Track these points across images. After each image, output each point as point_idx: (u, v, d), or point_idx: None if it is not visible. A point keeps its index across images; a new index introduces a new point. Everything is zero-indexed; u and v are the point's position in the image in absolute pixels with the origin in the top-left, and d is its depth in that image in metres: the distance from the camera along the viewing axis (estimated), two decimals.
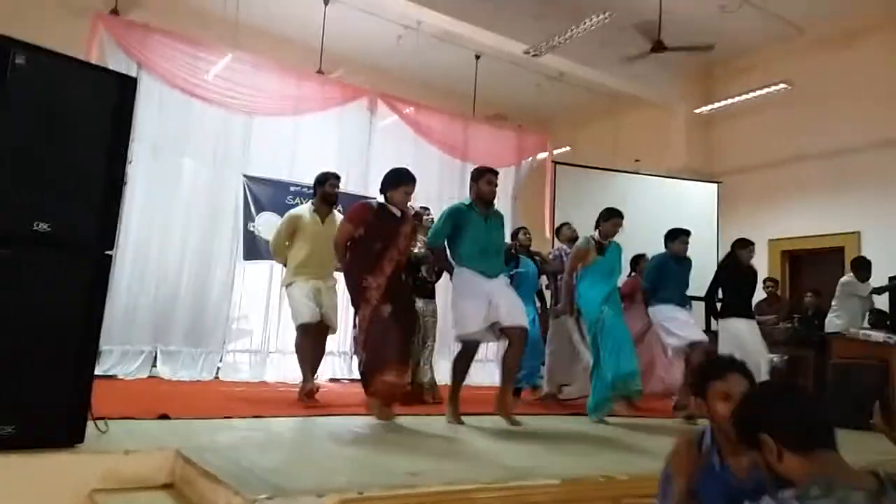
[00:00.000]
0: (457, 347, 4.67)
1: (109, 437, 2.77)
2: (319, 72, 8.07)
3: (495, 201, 4.72)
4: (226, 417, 3.96)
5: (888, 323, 6.67)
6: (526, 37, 8.11)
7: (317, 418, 4.34)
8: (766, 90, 8.69)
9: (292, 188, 6.91)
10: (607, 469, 2.89)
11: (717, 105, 9.37)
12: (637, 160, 9.90)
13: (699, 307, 6.48)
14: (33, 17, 6.78)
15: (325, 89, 7.60)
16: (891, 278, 7.01)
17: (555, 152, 9.55)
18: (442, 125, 8.42)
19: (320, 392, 5.25)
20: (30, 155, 2.59)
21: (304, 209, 5.37)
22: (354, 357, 6.72)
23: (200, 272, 6.60)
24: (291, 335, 5.37)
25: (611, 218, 5.26)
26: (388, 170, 4.46)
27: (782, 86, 8.55)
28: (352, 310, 4.29)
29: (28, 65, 2.58)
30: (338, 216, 5.42)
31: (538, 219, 8.86)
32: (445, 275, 4.99)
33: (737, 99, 9.04)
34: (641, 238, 6.63)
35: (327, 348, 5.61)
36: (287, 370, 6.44)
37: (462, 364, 4.51)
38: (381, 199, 4.38)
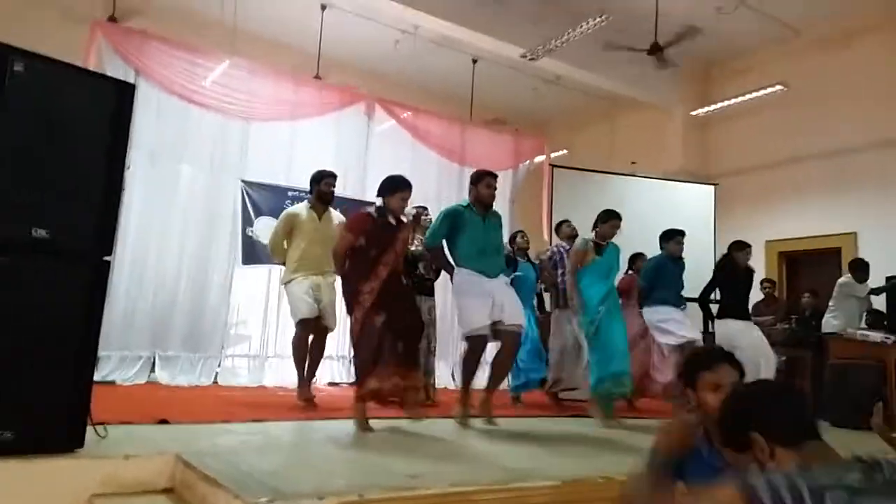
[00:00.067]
0: (454, 350, 4.68)
1: (109, 442, 2.77)
2: (317, 77, 8.09)
3: (493, 204, 4.75)
4: (225, 422, 3.96)
5: (885, 323, 6.69)
6: (523, 41, 8.14)
7: (315, 422, 4.35)
8: (762, 92, 8.73)
9: (290, 193, 6.92)
10: (607, 470, 2.90)
11: (713, 107, 9.40)
12: (634, 163, 9.93)
13: (694, 307, 6.50)
14: (31, 23, 6.82)
15: (322, 94, 7.61)
16: (888, 278, 7.03)
17: (552, 155, 9.57)
18: (439, 129, 8.43)
19: (319, 396, 5.27)
20: (28, 161, 2.60)
21: (301, 207, 5.42)
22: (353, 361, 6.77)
23: (198, 277, 6.60)
24: (290, 339, 5.37)
25: (609, 220, 5.28)
26: (385, 175, 4.48)
27: (778, 87, 8.58)
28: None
29: (26, 72, 2.59)
30: (334, 214, 5.47)
31: (536, 222, 8.89)
32: (444, 274, 5.02)
33: (733, 101, 9.07)
34: (639, 240, 6.64)
35: (326, 352, 5.60)
36: (285, 374, 6.44)
37: (471, 364, 4.50)
38: (378, 205, 4.40)
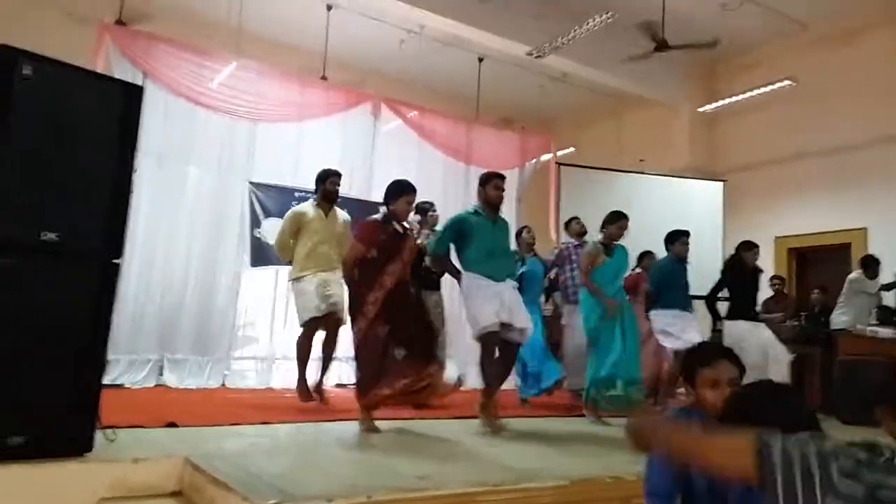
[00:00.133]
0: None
1: (118, 446, 2.78)
2: (323, 77, 8.09)
3: (501, 205, 4.75)
4: (233, 424, 3.98)
5: (895, 319, 6.64)
6: (528, 39, 8.11)
7: (324, 424, 4.35)
8: (769, 87, 8.66)
9: (297, 194, 6.91)
10: (616, 470, 2.89)
11: (720, 103, 9.34)
12: (641, 160, 9.88)
13: (702, 307, 6.46)
14: (34, 24, 6.84)
15: (328, 95, 7.62)
16: None
17: (558, 153, 9.54)
18: (445, 129, 8.42)
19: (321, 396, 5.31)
20: (37, 164, 2.62)
21: (308, 206, 5.46)
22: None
23: (206, 280, 6.61)
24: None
25: (616, 220, 5.27)
26: (391, 174, 4.53)
27: (786, 82, 8.51)
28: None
29: (35, 75, 2.61)
30: (339, 212, 5.50)
31: (543, 220, 8.86)
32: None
33: (740, 97, 9.01)
34: (647, 238, 6.62)
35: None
36: (294, 376, 6.41)
37: (489, 364, 4.46)
38: (384, 211, 4.42)
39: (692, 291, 6.22)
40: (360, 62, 9.13)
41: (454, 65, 9.35)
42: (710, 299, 6.12)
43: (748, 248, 6.04)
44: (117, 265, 2.83)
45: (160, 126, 6.38)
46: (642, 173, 9.45)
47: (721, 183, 9.39)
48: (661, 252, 6.34)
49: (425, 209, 5.67)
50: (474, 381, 7.21)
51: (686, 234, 6.01)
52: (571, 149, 10.48)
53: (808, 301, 7.97)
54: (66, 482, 2.50)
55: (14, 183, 2.55)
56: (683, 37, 7.47)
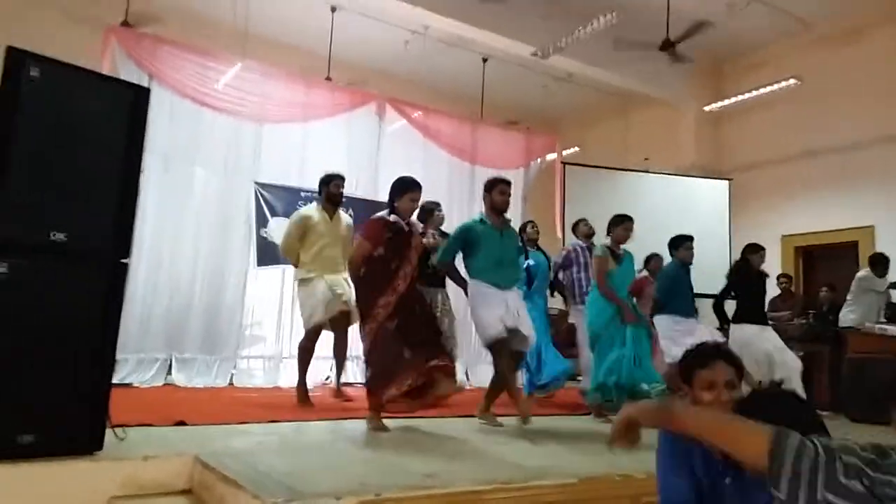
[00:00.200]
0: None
1: (128, 444, 2.79)
2: (328, 78, 8.11)
3: (508, 210, 4.74)
4: (242, 423, 3.98)
5: None
6: (533, 39, 8.11)
7: (332, 422, 4.36)
8: (775, 86, 8.64)
9: (303, 194, 6.94)
10: (625, 468, 2.88)
11: (726, 102, 9.32)
12: (646, 159, 9.87)
13: (707, 309, 6.45)
14: (41, 26, 6.87)
15: (333, 95, 7.63)
16: None
17: (564, 153, 9.54)
18: (450, 129, 8.43)
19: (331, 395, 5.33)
20: (45, 165, 2.63)
21: (313, 209, 5.48)
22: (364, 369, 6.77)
23: (213, 280, 6.64)
24: None
25: (621, 223, 5.25)
26: (396, 174, 4.51)
27: (792, 81, 8.49)
28: None
29: (42, 76, 2.62)
30: (343, 215, 5.54)
31: (548, 220, 8.85)
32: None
33: (746, 95, 8.99)
34: (653, 238, 6.60)
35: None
36: None
37: (503, 370, 4.44)
38: (388, 208, 4.42)
39: (696, 290, 6.22)
40: (365, 63, 9.15)
41: (458, 65, 9.37)
42: (718, 303, 6.11)
43: (754, 250, 6.03)
44: (125, 265, 2.84)
45: (166, 127, 6.41)
46: (648, 172, 9.44)
47: (727, 182, 9.38)
48: (666, 254, 6.32)
49: (431, 209, 5.67)
50: (478, 379, 7.26)
51: (690, 238, 5.99)
52: (576, 148, 10.47)
53: (816, 299, 7.95)
54: (76, 481, 2.51)
55: (22, 184, 2.56)
56: (689, 38, 7.45)
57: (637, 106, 10.40)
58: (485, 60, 9.28)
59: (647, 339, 5.21)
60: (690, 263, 6.00)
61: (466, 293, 4.68)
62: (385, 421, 4.02)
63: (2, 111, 2.54)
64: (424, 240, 5.07)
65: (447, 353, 4.26)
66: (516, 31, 8.11)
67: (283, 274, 6.77)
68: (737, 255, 6.52)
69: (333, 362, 5.79)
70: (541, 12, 7.97)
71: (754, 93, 8.87)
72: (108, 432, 2.71)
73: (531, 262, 5.98)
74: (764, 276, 6.14)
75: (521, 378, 6.01)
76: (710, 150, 9.90)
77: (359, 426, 4.07)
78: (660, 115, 10.22)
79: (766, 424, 1.28)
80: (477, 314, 4.48)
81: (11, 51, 2.59)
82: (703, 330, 6.00)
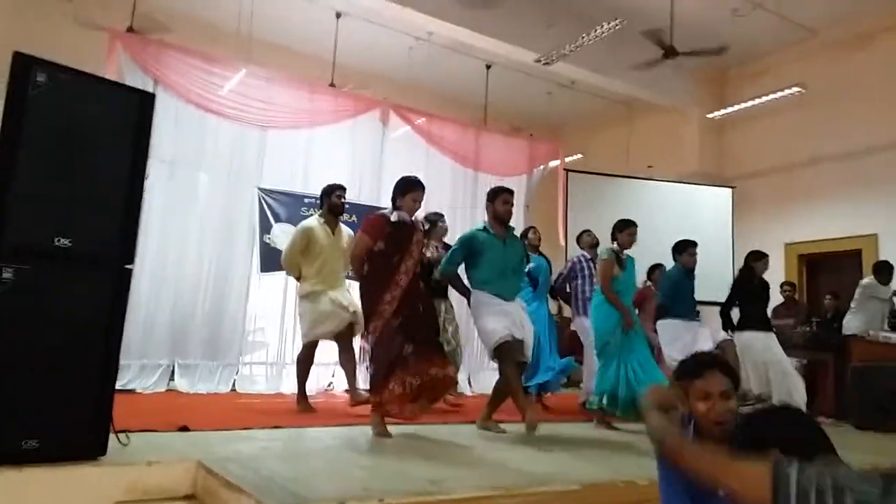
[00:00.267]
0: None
1: (131, 450, 2.79)
2: (332, 85, 8.14)
3: (511, 220, 4.74)
4: (245, 429, 3.98)
5: None
6: (536, 45, 8.13)
7: (335, 428, 4.35)
8: (779, 94, 8.65)
9: (307, 200, 6.96)
10: (628, 474, 2.88)
11: (730, 109, 9.32)
12: (650, 166, 9.88)
13: (712, 312, 6.44)
14: (46, 32, 6.91)
15: (337, 102, 7.66)
16: None
17: (567, 160, 9.55)
18: (454, 135, 8.45)
19: (334, 402, 5.30)
20: (50, 170, 2.64)
21: (314, 221, 5.42)
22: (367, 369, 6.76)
23: (216, 285, 6.64)
24: None
25: (625, 228, 5.23)
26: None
27: (796, 89, 8.50)
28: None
29: (49, 82, 2.64)
30: (344, 228, 5.51)
31: (551, 227, 8.86)
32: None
33: (750, 103, 8.99)
34: (656, 245, 6.59)
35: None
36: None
37: (511, 376, 4.41)
38: (391, 207, 4.41)
39: (699, 297, 6.21)
40: (369, 69, 9.18)
41: (462, 72, 9.39)
42: (725, 311, 6.10)
43: (758, 257, 6.03)
44: (129, 271, 2.84)
45: (171, 133, 6.43)
46: (651, 179, 9.44)
47: (730, 189, 9.38)
48: (668, 262, 6.32)
49: (435, 221, 5.66)
50: (481, 386, 7.25)
51: (694, 244, 5.98)
52: (579, 155, 10.49)
53: (820, 307, 7.93)
54: (81, 486, 2.51)
55: (27, 189, 2.57)
56: (693, 43, 7.46)
57: (640, 113, 10.41)
58: (488, 67, 9.30)
59: (646, 347, 5.18)
60: (693, 268, 5.99)
61: (469, 303, 4.66)
62: (388, 427, 4.02)
63: (9, 116, 2.55)
64: (428, 253, 5.07)
65: (446, 360, 4.25)
66: (520, 37, 8.13)
67: (287, 280, 6.76)
68: (740, 263, 6.51)
69: (335, 368, 5.77)
70: (544, 19, 7.99)
71: (758, 101, 8.88)
72: (112, 437, 2.71)
73: (532, 265, 5.98)
74: (766, 284, 6.13)
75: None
76: (714, 158, 9.91)
77: (362, 432, 4.06)
78: (663, 122, 10.22)
79: (762, 459, 1.26)
80: (480, 324, 4.45)
81: (18, 56, 2.60)
82: (705, 332, 5.99)
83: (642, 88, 9.21)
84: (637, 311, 5.67)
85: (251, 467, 2.72)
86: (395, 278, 4.05)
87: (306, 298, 5.26)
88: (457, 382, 5.62)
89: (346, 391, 5.45)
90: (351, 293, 5.31)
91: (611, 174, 9.33)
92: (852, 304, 6.87)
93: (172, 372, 6.29)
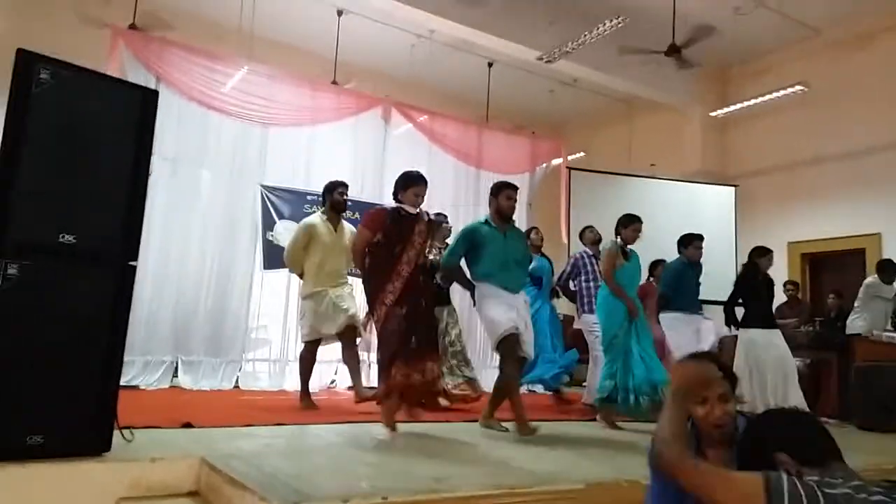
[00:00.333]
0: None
1: (135, 446, 2.79)
2: (334, 82, 8.13)
3: (513, 215, 4.73)
4: (248, 425, 3.98)
5: None
6: (539, 43, 8.12)
7: (338, 426, 4.35)
8: (781, 92, 8.63)
9: (309, 197, 6.97)
10: (632, 473, 2.87)
11: (732, 108, 9.31)
12: (652, 164, 9.87)
13: (716, 311, 6.43)
14: (48, 28, 6.90)
15: (339, 99, 7.67)
16: None
17: (569, 158, 9.54)
18: (456, 133, 8.45)
19: (337, 399, 5.29)
20: (54, 167, 2.64)
21: (317, 219, 5.41)
22: (371, 365, 6.77)
23: (219, 282, 6.66)
24: None
25: (630, 223, 5.19)
26: None
27: (798, 88, 8.48)
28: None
29: (52, 79, 2.63)
30: (346, 225, 5.50)
31: (554, 225, 8.85)
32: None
33: (752, 101, 8.97)
34: (659, 243, 6.58)
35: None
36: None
37: (511, 372, 4.41)
38: (393, 203, 4.42)
39: (703, 296, 6.20)
40: (371, 66, 9.17)
41: (464, 69, 9.38)
42: (729, 307, 6.08)
43: (762, 253, 6.00)
44: (133, 267, 2.84)
45: (173, 130, 6.44)
46: (653, 178, 9.43)
47: (733, 188, 9.36)
48: (672, 257, 6.32)
49: (439, 222, 5.65)
50: (484, 384, 7.24)
51: (700, 237, 5.99)
52: (582, 153, 10.48)
53: (823, 306, 7.92)
54: (85, 482, 2.50)
55: (31, 186, 2.57)
56: (696, 42, 7.44)
57: (643, 111, 10.40)
58: (490, 65, 9.29)
59: (650, 342, 5.17)
60: (698, 262, 5.98)
61: (473, 297, 4.64)
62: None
63: (12, 113, 2.55)
64: (431, 255, 5.06)
65: (440, 358, 4.28)
66: (522, 35, 8.12)
67: (289, 277, 6.77)
68: (743, 262, 6.50)
69: (339, 366, 5.78)
70: (547, 17, 7.98)
71: (760, 99, 8.86)
72: (116, 434, 2.71)
73: (534, 264, 5.98)
74: (771, 280, 6.12)
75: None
76: (717, 156, 9.89)
77: (366, 430, 4.06)
78: (666, 121, 10.21)
79: (754, 474, 1.26)
80: (486, 313, 4.42)
81: (21, 53, 2.60)
82: (709, 324, 5.98)
83: (645, 86, 9.20)
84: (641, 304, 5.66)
85: (254, 464, 2.71)
86: (396, 268, 4.05)
87: (309, 299, 5.25)
88: (475, 379, 5.61)
89: (350, 388, 5.46)
90: (353, 293, 5.31)
91: (613, 172, 9.32)
92: (856, 304, 6.84)
93: (176, 369, 6.30)
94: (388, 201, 4.56)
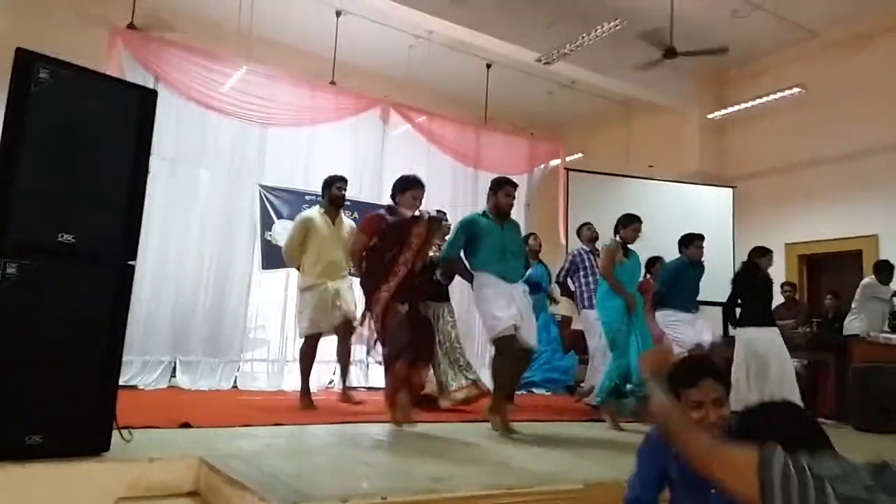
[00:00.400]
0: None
1: (134, 446, 2.78)
2: (332, 82, 8.13)
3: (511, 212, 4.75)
4: (246, 426, 3.98)
5: None
6: (537, 45, 8.12)
7: (337, 426, 4.34)
8: (779, 94, 8.64)
9: (307, 197, 6.96)
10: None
11: (730, 110, 9.32)
12: (650, 166, 9.87)
13: (715, 312, 6.44)
14: (47, 27, 6.89)
15: (338, 99, 7.66)
16: None
17: (567, 159, 9.55)
18: (454, 133, 8.46)
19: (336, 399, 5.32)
20: (54, 167, 2.63)
21: (315, 212, 5.43)
22: (371, 365, 6.78)
23: (218, 282, 6.65)
24: None
25: (630, 223, 5.21)
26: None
27: (796, 90, 8.50)
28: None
29: (51, 79, 2.62)
30: (345, 219, 5.52)
31: (552, 226, 8.86)
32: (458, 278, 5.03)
33: (750, 103, 8.99)
34: (656, 244, 6.59)
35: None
36: None
37: (504, 370, 4.42)
38: (390, 205, 4.45)
39: (702, 298, 6.20)
40: (369, 67, 9.17)
41: (463, 70, 9.38)
42: (728, 308, 6.09)
43: (761, 253, 6.01)
44: (132, 267, 2.84)
45: (172, 130, 6.43)
46: (651, 179, 9.44)
47: (730, 189, 9.38)
48: (671, 257, 6.33)
49: (439, 219, 5.66)
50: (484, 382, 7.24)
51: (701, 237, 6.00)
52: (580, 154, 10.49)
53: (821, 307, 7.93)
54: (84, 481, 2.50)
55: (30, 185, 2.56)
56: (693, 44, 7.46)
57: (641, 113, 10.41)
58: (489, 66, 9.29)
59: (648, 338, 5.17)
60: (699, 262, 5.98)
61: (472, 286, 4.64)
62: (388, 426, 4.03)
63: (11, 112, 2.54)
64: (431, 252, 5.08)
65: (429, 365, 4.35)
66: (520, 36, 8.12)
67: (287, 277, 6.78)
68: (740, 263, 6.51)
69: (337, 367, 5.79)
70: (545, 18, 7.99)
71: (758, 101, 8.87)
72: (115, 433, 2.70)
73: (532, 271, 5.98)
74: (769, 279, 6.12)
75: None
76: (714, 158, 9.90)
77: (365, 430, 4.07)
78: (663, 122, 10.22)
79: (749, 447, 1.27)
80: (485, 308, 4.42)
81: (21, 52, 2.59)
82: (703, 324, 5.98)
83: (642, 88, 9.21)
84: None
85: (254, 464, 2.71)
86: (392, 270, 4.10)
87: (307, 291, 5.26)
88: (478, 380, 5.61)
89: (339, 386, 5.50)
90: (353, 287, 5.32)
91: (612, 174, 9.33)
92: (853, 305, 6.86)
93: (174, 368, 6.29)
94: (387, 201, 4.59)
